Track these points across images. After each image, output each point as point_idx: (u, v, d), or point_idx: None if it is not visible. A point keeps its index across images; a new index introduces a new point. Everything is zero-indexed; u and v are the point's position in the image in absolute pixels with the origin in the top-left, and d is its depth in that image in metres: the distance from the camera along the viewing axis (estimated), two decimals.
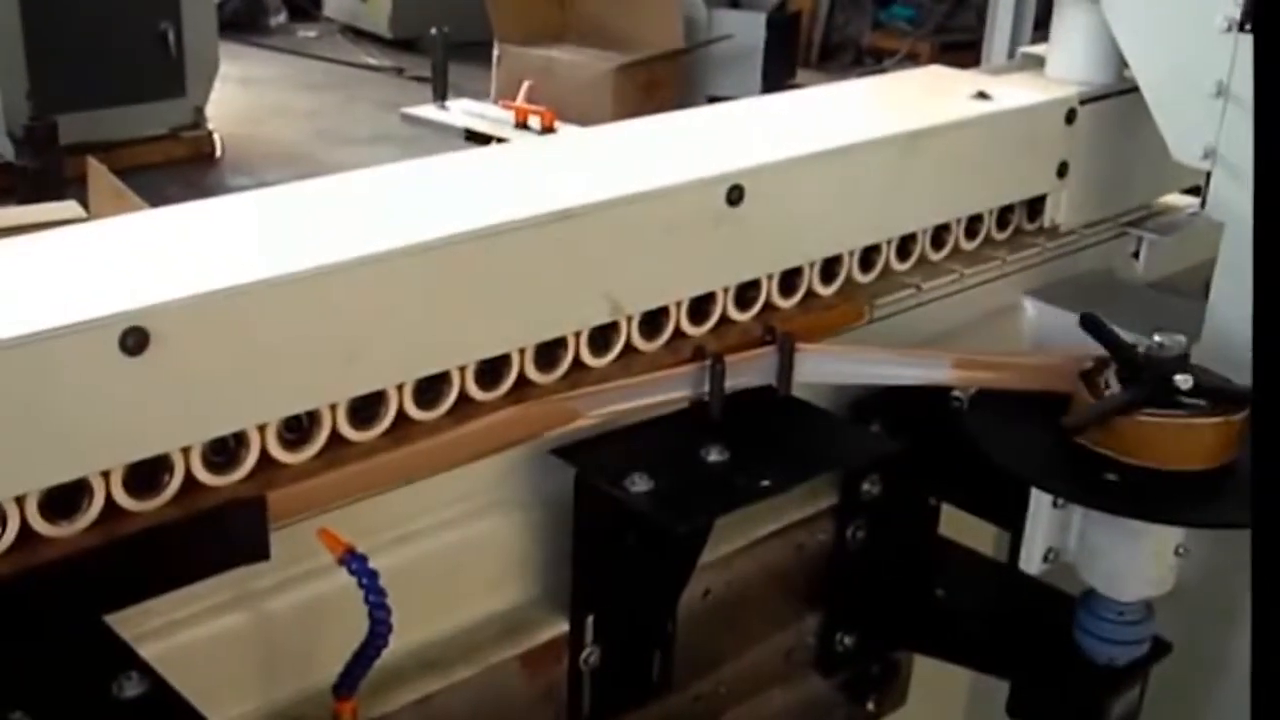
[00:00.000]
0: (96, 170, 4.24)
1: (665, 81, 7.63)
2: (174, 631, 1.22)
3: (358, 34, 10.34)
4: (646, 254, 1.41)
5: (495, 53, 7.73)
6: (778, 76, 8.09)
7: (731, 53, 8.01)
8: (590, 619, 1.49)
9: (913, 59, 9.54)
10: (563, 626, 1.49)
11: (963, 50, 8.78)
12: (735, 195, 1.45)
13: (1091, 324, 1.50)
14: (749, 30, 8.11)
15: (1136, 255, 2.04)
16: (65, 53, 6.43)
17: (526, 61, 7.49)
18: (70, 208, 4.03)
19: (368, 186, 1.41)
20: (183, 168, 7.01)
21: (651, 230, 1.40)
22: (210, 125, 7.33)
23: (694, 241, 1.45)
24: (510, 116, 6.25)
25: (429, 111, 6.50)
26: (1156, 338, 1.43)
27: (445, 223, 1.26)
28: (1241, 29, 1.61)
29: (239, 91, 8.49)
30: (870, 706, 1.94)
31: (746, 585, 1.69)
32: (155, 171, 6.60)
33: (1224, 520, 1.45)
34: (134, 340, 1.05)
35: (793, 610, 1.78)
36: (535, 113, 6.18)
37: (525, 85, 6.57)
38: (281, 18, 10.87)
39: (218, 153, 7.28)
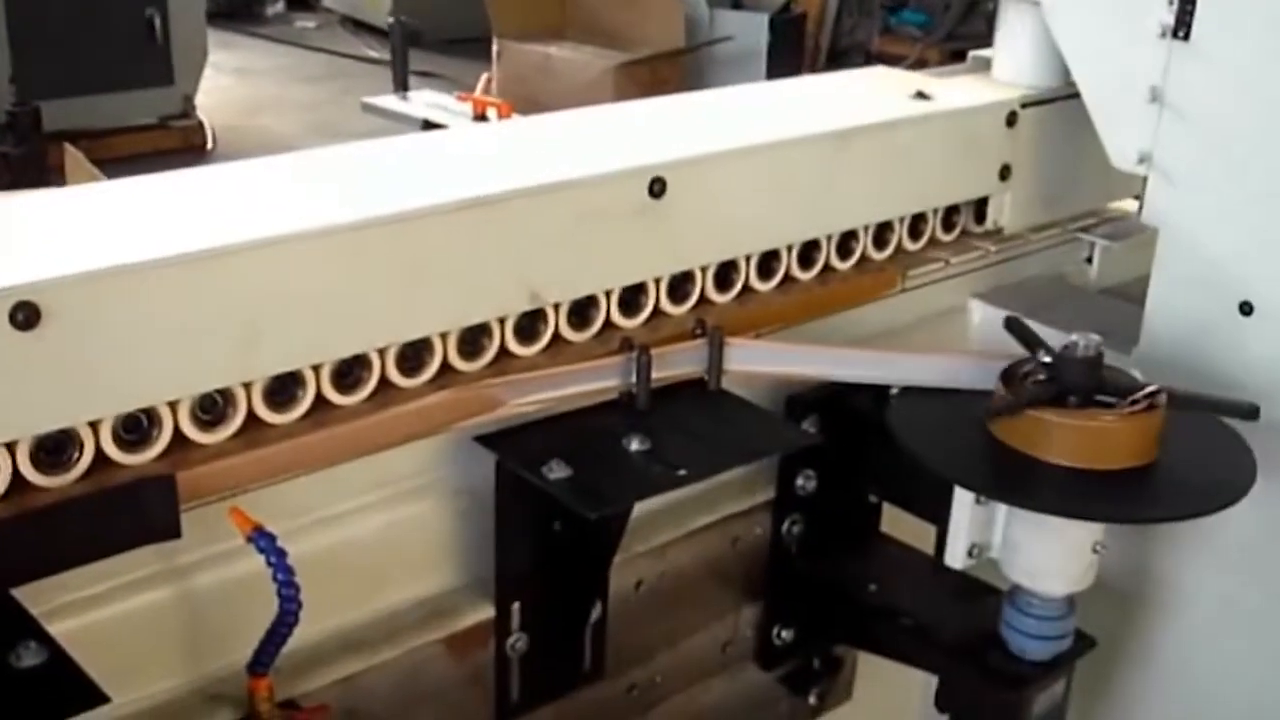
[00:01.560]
0: (74, 157, 4.24)
1: (667, 81, 7.61)
2: (92, 607, 1.23)
3: (357, 25, 10.34)
4: (565, 244, 1.42)
5: (494, 49, 7.73)
6: (782, 79, 8.05)
7: (734, 54, 7.98)
8: (516, 605, 1.51)
9: (921, 66, 9.50)
10: (489, 612, 1.51)
11: None
12: (658, 188, 1.46)
13: (1013, 326, 1.52)
14: (751, 31, 8.08)
15: (1090, 261, 2.05)
16: (49, 38, 6.40)
17: (525, 58, 7.50)
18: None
19: (291, 170, 1.42)
20: (172, 158, 6.99)
21: (570, 220, 1.42)
22: (202, 116, 7.33)
23: (615, 233, 1.46)
24: (468, 109, 6.24)
25: (389, 102, 6.48)
26: (1073, 338, 1.45)
27: (355, 207, 1.28)
28: (1175, 35, 1.63)
29: (233, 82, 8.51)
30: (813, 700, 1.96)
31: (680, 577, 1.70)
32: (144, 161, 6.60)
33: (1137, 516, 1.47)
34: (24, 315, 1.06)
35: (729, 603, 1.80)
36: (493, 105, 6.16)
37: (484, 78, 6.56)
38: (279, 7, 10.87)
39: (209, 143, 7.28)
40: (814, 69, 9.50)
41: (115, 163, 5.15)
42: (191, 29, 7.14)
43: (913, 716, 2.17)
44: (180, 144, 7.14)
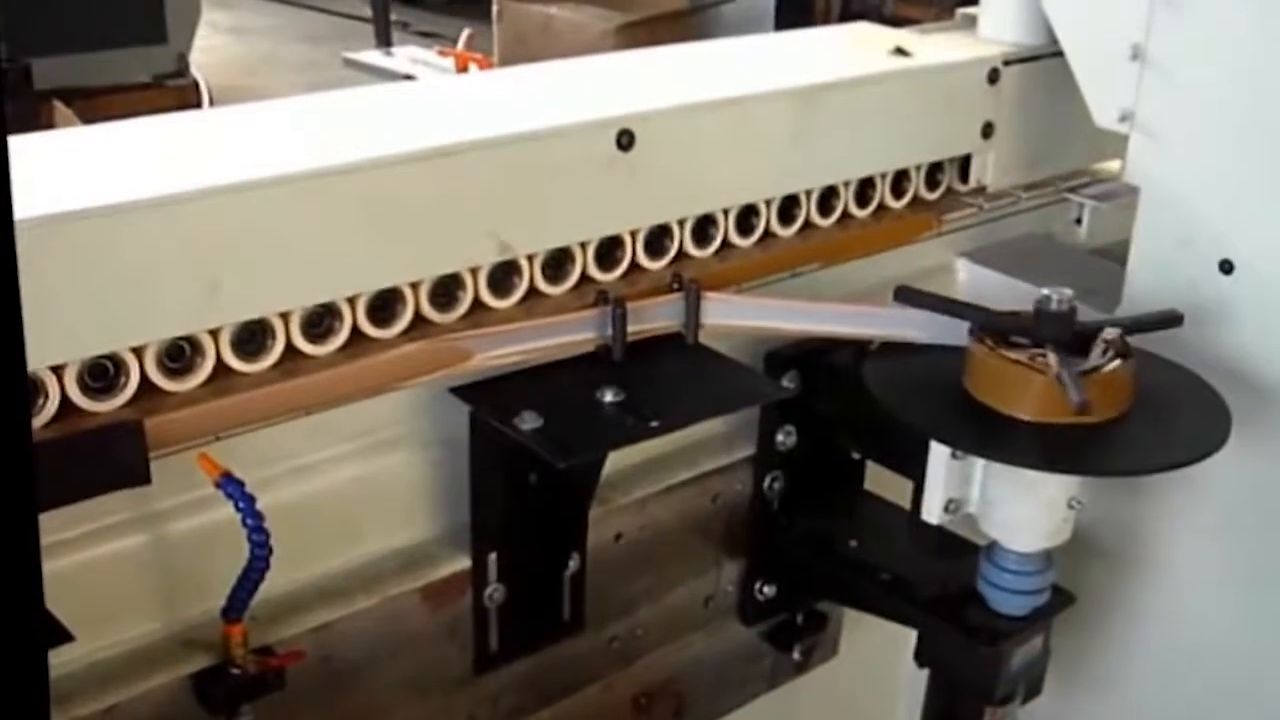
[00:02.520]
0: (63, 115, 4.22)
1: (669, 43, 7.56)
2: (65, 552, 1.24)
3: None
4: (532, 195, 1.42)
5: (495, 8, 7.69)
6: None
7: (740, 16, 7.90)
8: (492, 556, 1.52)
9: None
10: (465, 563, 1.52)
11: None
12: (625, 140, 1.46)
13: (905, 296, 1.52)
14: None
15: (1079, 221, 2.05)
16: None
17: (526, 18, 7.46)
18: None
19: (262, 117, 1.42)
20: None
21: (536, 171, 1.42)
22: (198, 75, 7.30)
23: (583, 185, 1.46)
24: (451, 64, 6.20)
25: (372, 57, 6.45)
26: (1045, 292, 1.45)
27: (321, 154, 1.28)
28: None
29: (230, 41, 8.48)
30: (797, 656, 1.97)
31: (661, 531, 1.71)
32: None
33: (1110, 469, 1.48)
34: None
35: (710, 558, 1.81)
36: (475, 60, 6.13)
37: (465, 33, 6.51)
38: None
39: (205, 103, 7.25)
40: None
41: (110, 121, 5.11)
42: None
43: (900, 673, 2.18)
44: (176, 103, 7.08)
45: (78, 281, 1.14)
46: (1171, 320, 1.47)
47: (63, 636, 1.07)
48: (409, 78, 5.90)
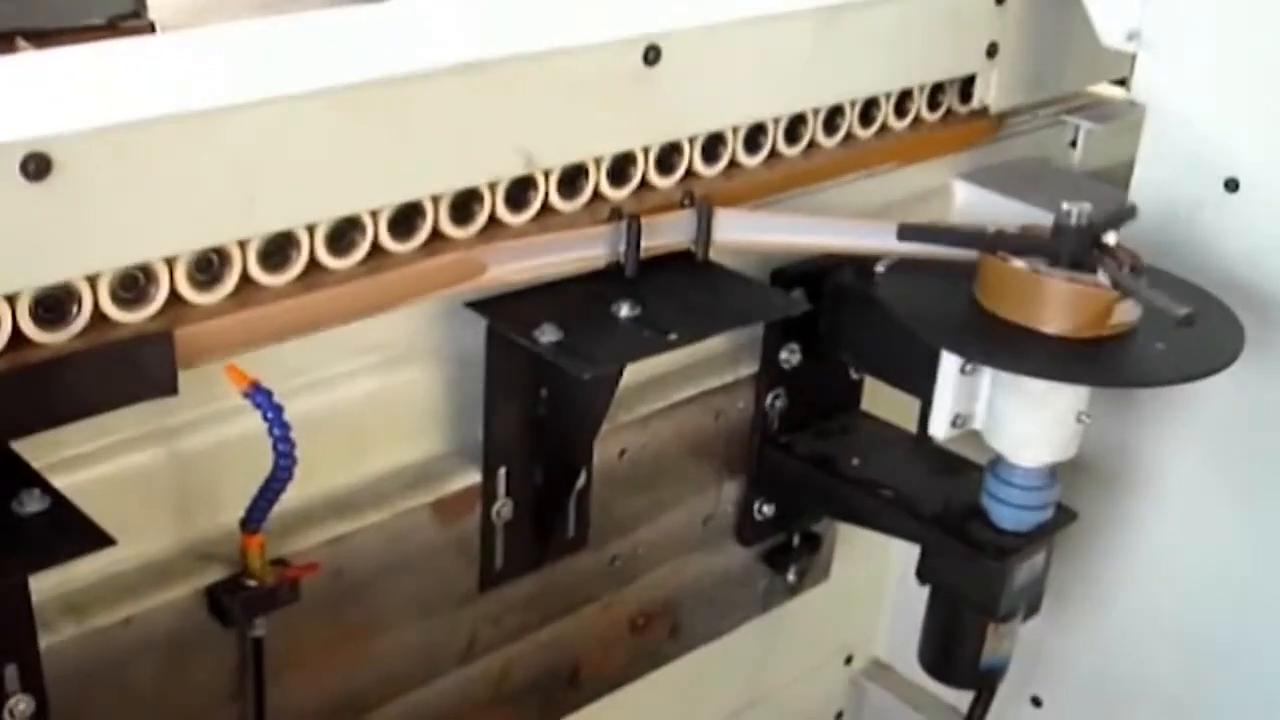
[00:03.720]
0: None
1: None
2: (87, 464, 1.24)
3: None
4: (561, 109, 1.42)
5: None
6: None
7: None
8: (502, 471, 1.52)
9: None
10: (475, 478, 1.52)
11: None
12: (652, 55, 1.45)
13: (908, 233, 1.53)
14: None
15: (1074, 144, 2.05)
16: None
17: None
18: None
19: (282, 33, 1.41)
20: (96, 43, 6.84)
21: (566, 85, 1.41)
22: (152, 18, 7.18)
23: (610, 99, 1.45)
24: None
25: None
26: (1065, 206, 1.46)
27: (350, 69, 1.27)
28: None
29: None
30: (791, 578, 1.98)
31: (663, 449, 1.72)
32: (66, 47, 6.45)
33: (1124, 380, 1.49)
34: (35, 165, 1.06)
35: (711, 477, 1.82)
36: None
37: None
38: None
39: None
40: None
41: None
42: None
43: (887, 598, 2.21)
44: None
45: (122, 192, 1.13)
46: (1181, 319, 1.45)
47: (105, 540, 1.06)
48: None
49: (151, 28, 6.98)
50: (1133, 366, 1.45)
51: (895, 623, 2.22)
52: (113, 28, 6.81)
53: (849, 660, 2.29)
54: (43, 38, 5.95)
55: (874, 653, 2.31)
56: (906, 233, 1.53)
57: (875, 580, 2.16)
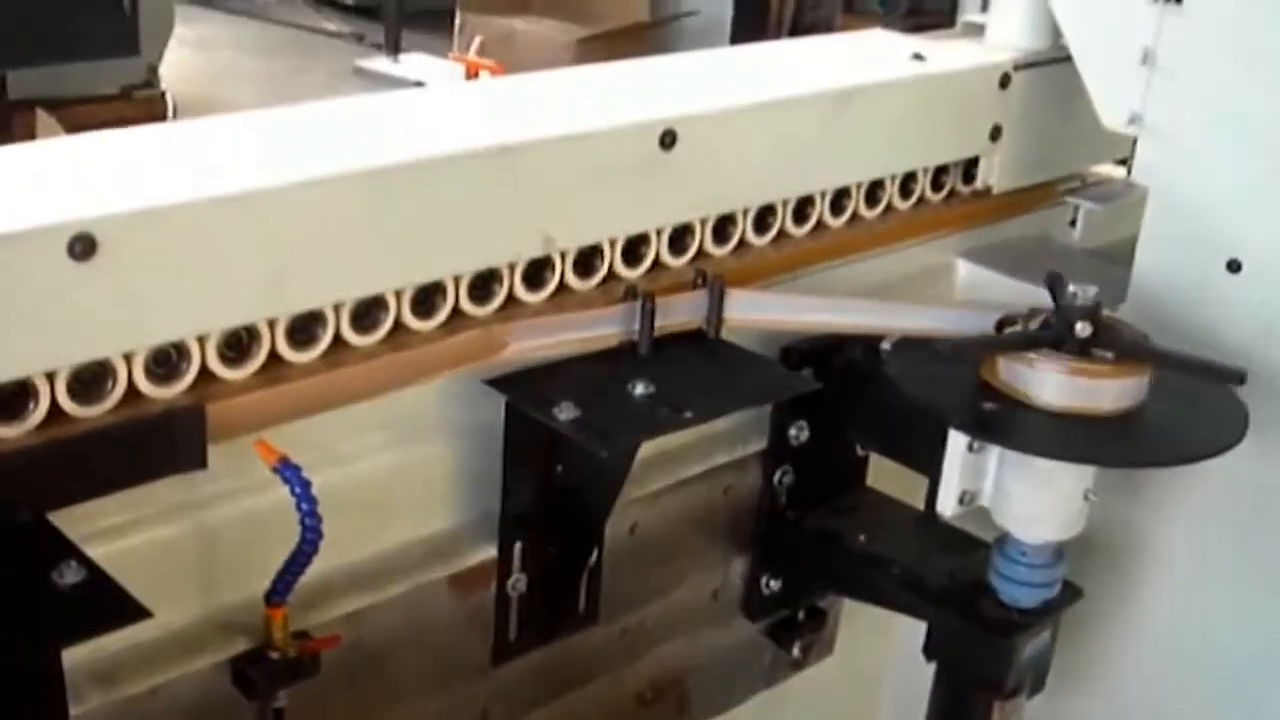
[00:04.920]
0: (46, 124, 4.21)
1: (628, 55, 7.58)
2: (118, 536, 1.26)
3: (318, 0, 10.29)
4: (579, 192, 1.46)
5: (458, 21, 7.71)
6: None
7: (697, 27, 7.97)
8: (518, 546, 1.54)
9: None
10: (491, 552, 1.54)
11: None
12: (668, 139, 1.49)
13: (1052, 280, 1.55)
14: (716, 5, 8.08)
15: (1074, 224, 2.09)
16: (16, 5, 6.34)
17: (488, 30, 7.47)
18: None
19: (313, 118, 1.45)
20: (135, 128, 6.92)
21: (585, 169, 1.45)
22: (164, 87, 7.27)
23: (627, 182, 1.49)
24: (461, 70, 6.21)
25: (382, 64, 6.48)
26: (1071, 288, 1.49)
27: (381, 153, 1.31)
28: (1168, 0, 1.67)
29: (193, 54, 8.45)
30: (796, 653, 2.00)
31: (673, 524, 1.74)
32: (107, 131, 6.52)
33: (1128, 460, 1.52)
34: (81, 246, 1.09)
35: (720, 551, 1.84)
36: (486, 67, 6.15)
37: (477, 40, 6.54)
38: None
39: (170, 114, 7.21)
40: None
41: (78, 131, 5.08)
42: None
43: (891, 674, 2.22)
44: (143, 114, 7.02)
45: (161, 271, 1.16)
46: (1236, 378, 1.49)
47: (141, 612, 1.08)
48: (419, 84, 5.90)
49: (163, 97, 7.05)
50: (1138, 446, 1.48)
51: (901, 703, 2.23)
52: (126, 97, 6.88)
53: None
54: (59, 106, 6.02)
55: None
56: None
57: (880, 658, 2.17)
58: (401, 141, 1.36)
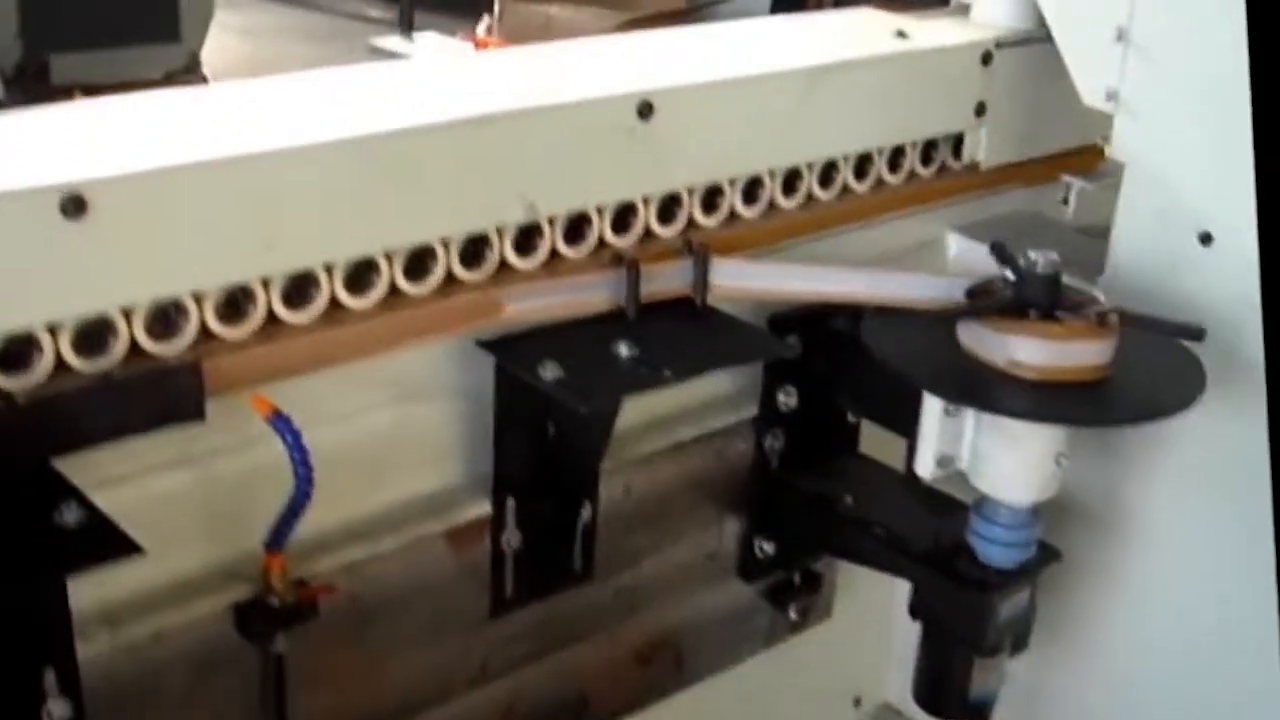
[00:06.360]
0: None
1: None
2: (123, 485, 1.33)
3: None
4: (559, 160, 1.52)
5: (496, 8, 7.76)
6: None
7: (735, 12, 7.95)
8: (511, 503, 1.61)
9: None
10: (486, 509, 1.61)
11: None
12: (645, 110, 1.56)
13: (999, 250, 1.62)
14: None
15: (1066, 201, 2.14)
16: None
17: (527, 17, 7.52)
18: None
19: (306, 86, 1.52)
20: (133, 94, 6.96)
21: (565, 138, 1.51)
22: (207, 73, 7.35)
23: (606, 152, 1.56)
24: (471, 48, 6.26)
25: (395, 43, 6.53)
26: (1033, 255, 1.54)
27: (368, 120, 1.38)
28: None
29: (238, 41, 8.53)
30: (793, 615, 2.06)
31: (667, 487, 1.81)
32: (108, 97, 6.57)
33: (1094, 420, 1.57)
34: (73, 206, 1.17)
35: (714, 515, 1.90)
36: (494, 45, 6.19)
37: (485, 19, 6.58)
38: None
39: None
40: None
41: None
42: None
43: (894, 642, 2.26)
44: None
45: (151, 231, 1.24)
46: (1195, 335, 1.55)
47: (133, 548, 1.16)
48: None
49: (205, 83, 7.12)
50: (1102, 407, 1.54)
51: (904, 668, 2.27)
52: (168, 83, 6.96)
53: (858, 703, 2.35)
54: (102, 92, 6.07)
55: (884, 697, 2.36)
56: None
57: (880, 623, 2.21)
58: (388, 110, 1.42)
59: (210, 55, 7.33)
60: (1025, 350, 1.52)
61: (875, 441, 1.92)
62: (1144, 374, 1.54)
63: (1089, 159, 2.02)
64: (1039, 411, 1.53)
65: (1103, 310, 1.54)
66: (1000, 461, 1.63)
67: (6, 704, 1.27)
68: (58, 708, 1.28)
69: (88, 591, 1.30)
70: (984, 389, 1.54)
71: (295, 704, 1.50)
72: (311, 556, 1.48)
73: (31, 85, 5.97)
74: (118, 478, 1.32)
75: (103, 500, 1.24)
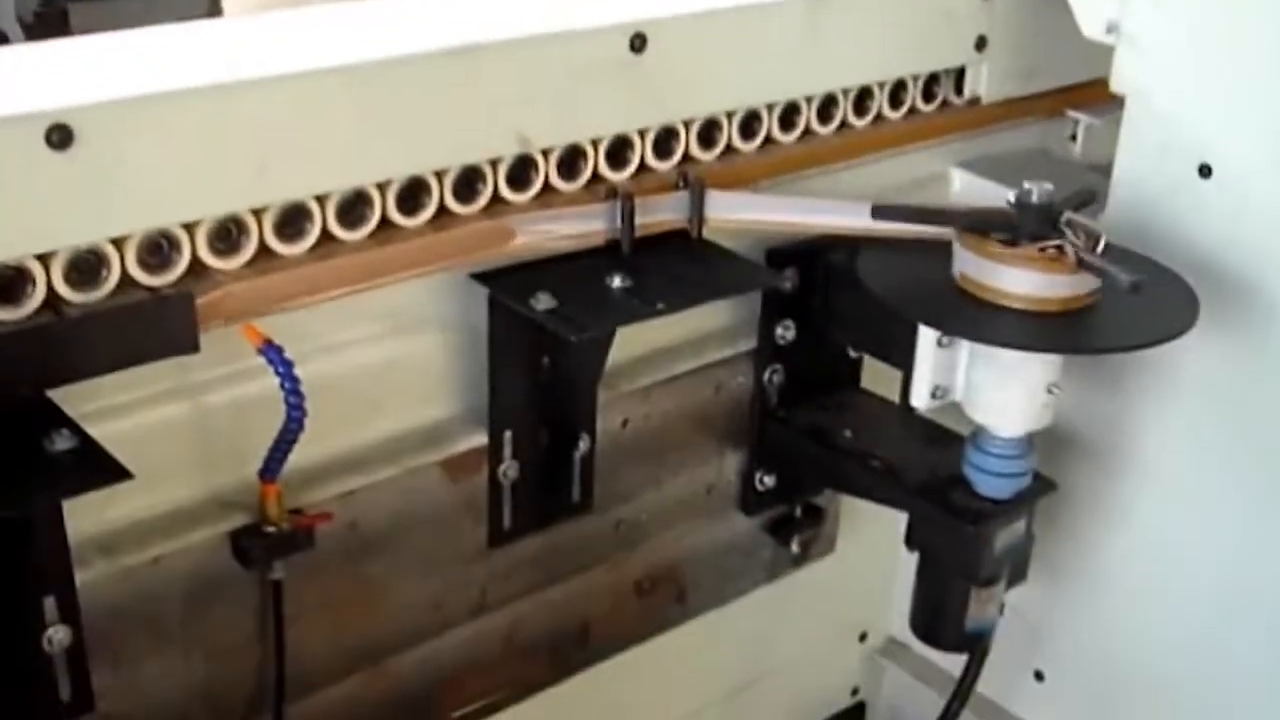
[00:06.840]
0: None
1: None
2: (119, 415, 1.35)
3: None
4: (551, 92, 1.52)
5: None
6: None
7: None
8: (508, 434, 1.63)
9: None
10: (482, 440, 1.63)
11: None
12: (638, 43, 1.55)
13: (881, 212, 1.64)
14: None
15: (1074, 138, 2.13)
16: None
17: None
18: None
19: (297, 20, 1.52)
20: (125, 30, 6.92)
21: (555, 70, 1.51)
22: None
23: (598, 84, 1.56)
24: None
25: None
26: (1026, 185, 1.55)
27: (354, 50, 1.38)
28: None
29: None
30: (795, 549, 2.08)
31: (665, 419, 1.82)
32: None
33: (1084, 347, 1.58)
34: (59, 136, 1.18)
35: (714, 448, 1.91)
36: None
37: None
38: None
39: None
40: None
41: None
42: None
43: (900, 578, 2.27)
44: None
45: (139, 161, 1.24)
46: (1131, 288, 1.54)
47: (123, 474, 1.18)
48: None
49: None
50: (1090, 335, 1.54)
51: (905, 601, 2.29)
52: None
53: (863, 637, 2.37)
54: None
55: (890, 631, 2.38)
56: (879, 212, 1.63)
57: (885, 558, 2.21)
58: (376, 39, 1.42)
59: (231, 4, 7.29)
60: (1015, 280, 1.53)
61: (881, 378, 1.92)
62: (1137, 304, 1.54)
63: (1096, 94, 2.01)
64: (1028, 340, 1.54)
65: (1094, 238, 1.54)
66: (992, 392, 1.64)
67: (8, 631, 1.29)
68: (59, 634, 1.31)
69: (84, 520, 1.33)
70: (975, 319, 1.55)
71: (294, 632, 1.52)
72: (309, 487, 1.50)
73: (51, 32, 5.96)
74: (115, 409, 1.34)
75: (99, 431, 1.25)
